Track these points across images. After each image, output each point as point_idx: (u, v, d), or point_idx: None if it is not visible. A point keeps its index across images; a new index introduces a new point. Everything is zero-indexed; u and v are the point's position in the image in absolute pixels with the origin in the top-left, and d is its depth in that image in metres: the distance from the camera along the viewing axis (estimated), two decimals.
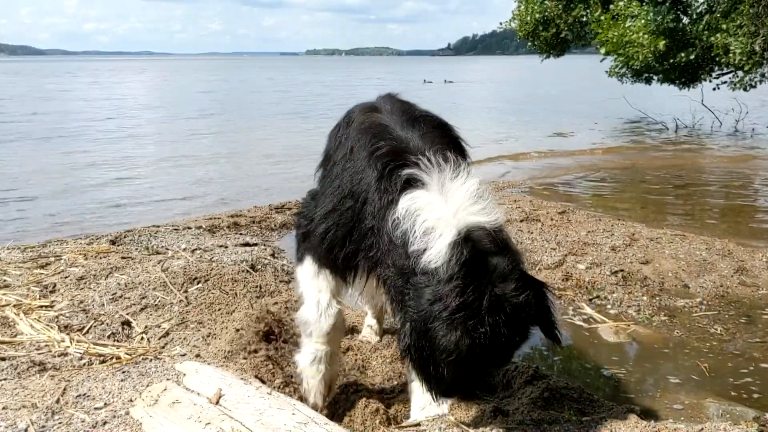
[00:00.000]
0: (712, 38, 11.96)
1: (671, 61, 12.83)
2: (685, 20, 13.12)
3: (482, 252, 1.85)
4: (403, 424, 2.27)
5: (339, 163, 2.33)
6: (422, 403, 2.35)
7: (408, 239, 1.93)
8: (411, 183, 2.00)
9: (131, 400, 2.38)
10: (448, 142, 2.25)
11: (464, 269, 1.82)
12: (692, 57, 12.53)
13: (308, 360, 2.52)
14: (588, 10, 14.38)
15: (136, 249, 4.80)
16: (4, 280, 3.86)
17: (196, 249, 4.76)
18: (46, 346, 3.01)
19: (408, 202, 1.97)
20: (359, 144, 2.24)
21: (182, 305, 3.53)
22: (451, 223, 1.89)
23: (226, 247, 4.84)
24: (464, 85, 39.03)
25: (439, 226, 1.90)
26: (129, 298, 3.57)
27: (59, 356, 2.91)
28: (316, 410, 2.35)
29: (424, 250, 1.88)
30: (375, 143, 2.17)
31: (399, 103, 2.49)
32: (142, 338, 3.19)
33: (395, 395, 2.73)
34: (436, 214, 1.92)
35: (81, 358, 2.90)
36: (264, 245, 4.97)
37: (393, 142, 2.16)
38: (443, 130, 2.35)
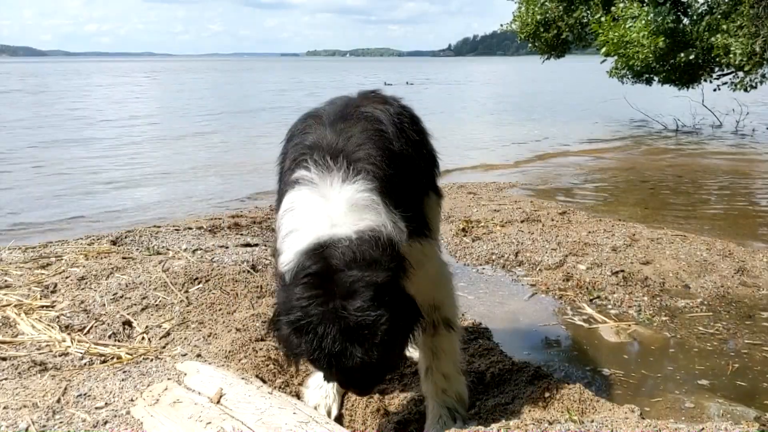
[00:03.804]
0: (713, 39, 11.97)
1: (672, 61, 12.84)
2: (686, 21, 13.14)
3: (332, 266, 1.78)
4: None
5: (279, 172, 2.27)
6: (434, 418, 2.38)
7: (279, 237, 1.93)
8: (300, 181, 1.94)
9: (132, 400, 2.39)
10: (367, 143, 2.03)
11: (307, 279, 1.79)
12: (692, 57, 12.53)
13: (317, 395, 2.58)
14: (589, 12, 14.39)
15: (137, 249, 4.81)
16: (6, 281, 3.86)
17: (196, 249, 4.77)
18: (47, 346, 3.02)
19: (289, 199, 1.94)
20: (288, 146, 2.20)
21: (183, 305, 3.53)
22: (311, 230, 1.84)
23: (227, 247, 4.85)
24: (428, 87, 37.23)
25: (298, 231, 1.86)
26: (130, 298, 3.58)
27: (60, 356, 2.92)
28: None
29: (283, 251, 1.88)
30: (296, 142, 2.12)
31: (348, 98, 2.33)
32: (143, 338, 3.19)
33: (396, 395, 2.73)
34: (301, 218, 1.89)
35: (82, 358, 2.91)
36: (265, 245, 4.97)
37: (309, 137, 2.07)
38: (373, 129, 2.09)
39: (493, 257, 4.94)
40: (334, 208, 1.87)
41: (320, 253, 1.81)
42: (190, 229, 5.59)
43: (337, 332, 1.73)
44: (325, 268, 1.79)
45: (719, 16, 12.14)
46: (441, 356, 2.36)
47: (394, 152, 2.08)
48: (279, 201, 2.06)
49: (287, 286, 1.83)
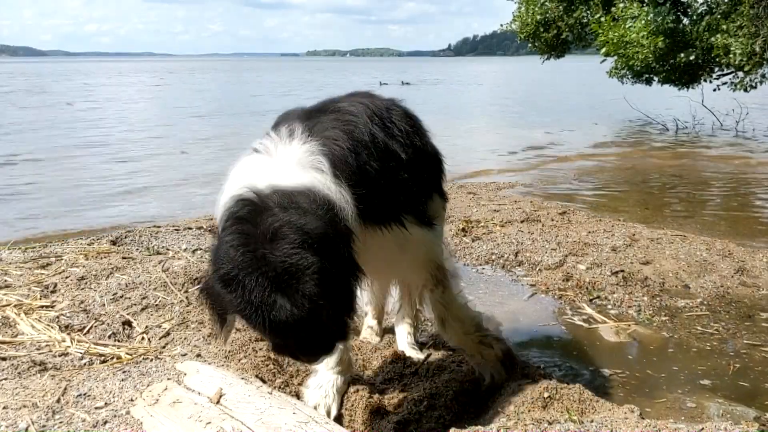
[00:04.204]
0: (713, 39, 11.96)
1: (671, 61, 12.84)
2: (686, 21, 13.14)
3: (260, 209, 1.76)
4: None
5: None
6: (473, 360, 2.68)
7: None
8: (255, 148, 2.04)
9: (132, 400, 2.39)
10: (334, 128, 2.08)
11: (235, 226, 1.77)
12: (692, 58, 12.53)
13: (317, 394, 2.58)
14: (589, 12, 14.40)
15: (137, 249, 4.81)
16: (5, 281, 3.86)
17: (196, 249, 4.77)
18: (46, 346, 3.02)
19: (240, 163, 2.02)
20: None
21: (183, 305, 3.53)
22: (247, 179, 1.86)
23: None
24: (428, 87, 36.82)
25: (235, 180, 1.90)
26: (130, 298, 3.58)
27: (60, 356, 2.92)
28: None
29: (218, 204, 1.92)
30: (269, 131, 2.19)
31: (332, 98, 2.39)
32: (143, 338, 3.20)
33: (396, 395, 2.73)
34: (241, 171, 1.93)
35: (82, 358, 2.91)
36: None
37: (282, 125, 2.12)
38: (344, 120, 2.15)
39: (493, 257, 4.94)
40: (276, 163, 1.91)
41: (251, 198, 1.80)
42: (190, 229, 5.60)
43: (265, 281, 1.67)
44: (254, 212, 1.77)
45: (719, 16, 12.13)
46: (451, 305, 2.56)
47: (362, 140, 2.11)
48: None
49: (219, 238, 1.82)
